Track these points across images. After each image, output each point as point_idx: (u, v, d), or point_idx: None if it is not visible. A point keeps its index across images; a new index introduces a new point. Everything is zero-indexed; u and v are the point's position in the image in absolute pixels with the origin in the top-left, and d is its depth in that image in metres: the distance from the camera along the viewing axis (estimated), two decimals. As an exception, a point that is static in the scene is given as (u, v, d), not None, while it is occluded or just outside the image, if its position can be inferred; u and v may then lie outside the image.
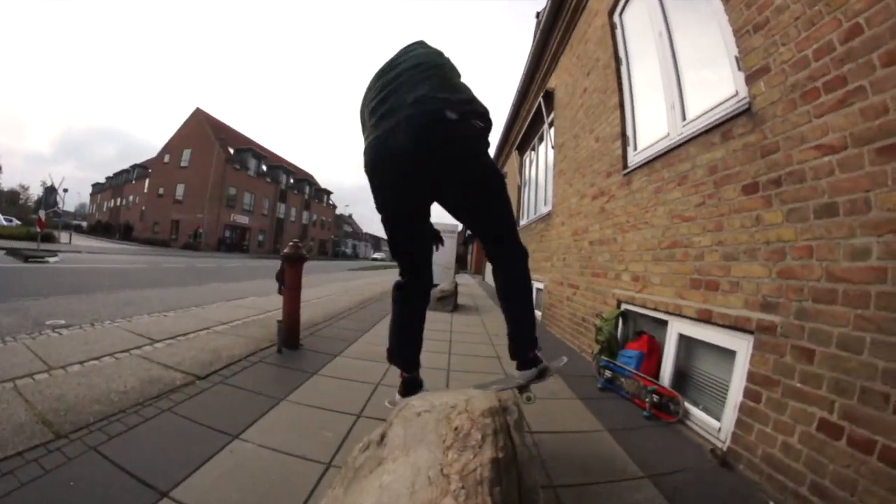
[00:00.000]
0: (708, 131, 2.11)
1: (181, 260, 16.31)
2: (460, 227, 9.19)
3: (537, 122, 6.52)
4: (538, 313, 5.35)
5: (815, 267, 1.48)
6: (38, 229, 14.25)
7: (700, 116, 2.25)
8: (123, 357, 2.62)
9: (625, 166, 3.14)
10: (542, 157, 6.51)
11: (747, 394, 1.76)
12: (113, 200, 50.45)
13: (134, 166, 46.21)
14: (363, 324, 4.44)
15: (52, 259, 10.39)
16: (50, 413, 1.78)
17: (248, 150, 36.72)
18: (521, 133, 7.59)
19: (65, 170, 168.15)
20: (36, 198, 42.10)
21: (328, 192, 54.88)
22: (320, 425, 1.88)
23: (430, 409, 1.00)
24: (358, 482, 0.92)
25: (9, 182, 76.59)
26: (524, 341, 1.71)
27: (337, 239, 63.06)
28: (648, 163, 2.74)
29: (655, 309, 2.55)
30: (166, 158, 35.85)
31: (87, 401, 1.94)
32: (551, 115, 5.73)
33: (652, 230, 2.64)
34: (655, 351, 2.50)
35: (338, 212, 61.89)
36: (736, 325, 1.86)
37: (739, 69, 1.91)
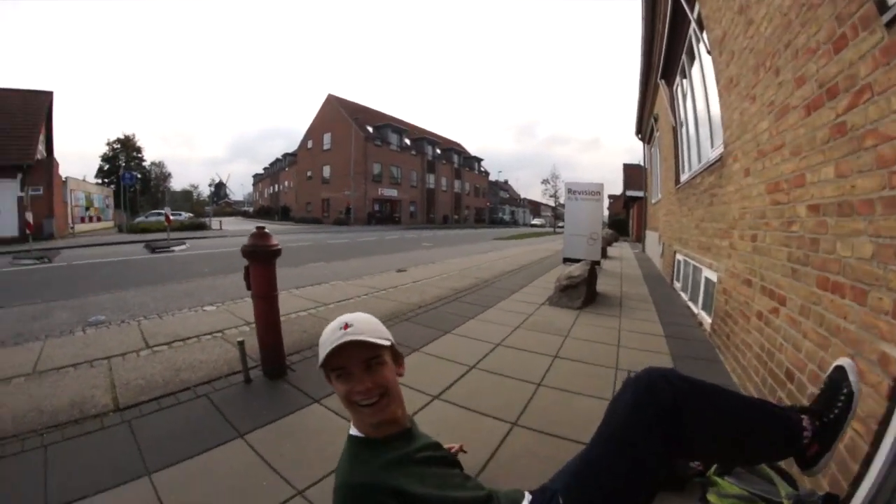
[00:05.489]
0: None
1: (343, 236, 15.80)
2: (603, 184, 6.71)
3: (678, 28, 4.07)
4: (707, 320, 3.21)
5: None
6: (167, 223, 13.85)
7: None
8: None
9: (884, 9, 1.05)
10: (698, 81, 4.00)
11: None
12: (271, 187, 50.93)
13: (285, 155, 46.21)
14: (430, 331, 3.05)
15: (178, 248, 10.03)
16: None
17: (386, 125, 33.53)
18: (662, 53, 5.00)
19: (238, 167, 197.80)
20: (207, 193, 43.64)
21: (479, 160, 47.94)
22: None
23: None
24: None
25: (182, 183, 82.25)
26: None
27: (493, 206, 55.63)
28: None
29: None
30: (310, 144, 35.13)
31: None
32: (696, 8, 3.33)
33: None
34: None
35: (491, 178, 54.60)
36: None
37: None
